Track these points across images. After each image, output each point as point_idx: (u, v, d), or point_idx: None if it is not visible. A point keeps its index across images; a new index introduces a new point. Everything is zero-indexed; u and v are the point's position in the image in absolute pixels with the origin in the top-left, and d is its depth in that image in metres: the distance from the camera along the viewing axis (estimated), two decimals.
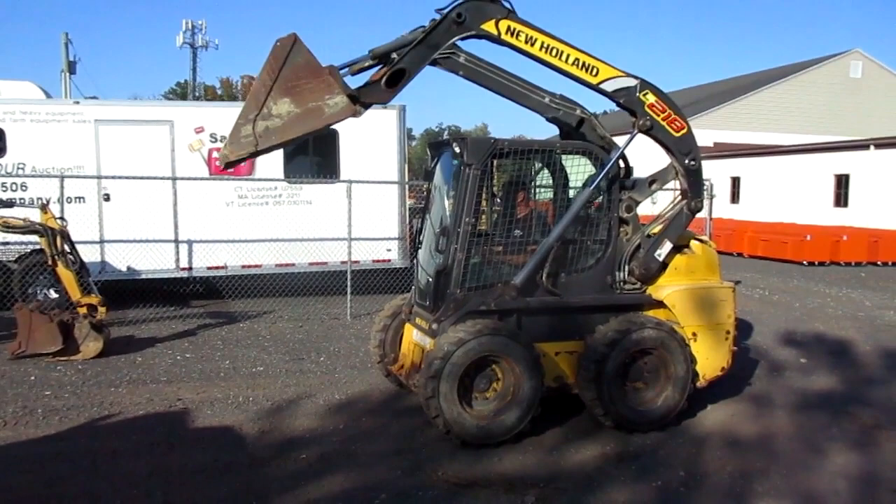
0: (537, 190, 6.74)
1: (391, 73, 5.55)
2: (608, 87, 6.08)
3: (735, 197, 32.95)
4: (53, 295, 10.61)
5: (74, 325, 8.45)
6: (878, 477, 5.39)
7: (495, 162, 6.49)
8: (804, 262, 20.13)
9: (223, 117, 12.07)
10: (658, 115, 6.26)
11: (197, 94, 53.35)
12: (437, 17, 5.67)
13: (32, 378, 7.65)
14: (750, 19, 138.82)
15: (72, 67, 27.95)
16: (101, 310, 8.55)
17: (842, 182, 27.99)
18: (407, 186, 13.47)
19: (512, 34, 5.76)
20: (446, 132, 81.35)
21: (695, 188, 6.52)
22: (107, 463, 5.38)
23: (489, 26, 5.71)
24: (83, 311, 8.49)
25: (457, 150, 6.14)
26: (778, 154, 31.29)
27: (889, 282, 16.98)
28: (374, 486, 5.02)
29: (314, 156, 12.70)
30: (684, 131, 6.39)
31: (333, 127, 12.90)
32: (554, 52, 5.87)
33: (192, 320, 10.90)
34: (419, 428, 6.10)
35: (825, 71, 38.24)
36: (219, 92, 62.58)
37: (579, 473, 5.35)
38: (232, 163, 5.29)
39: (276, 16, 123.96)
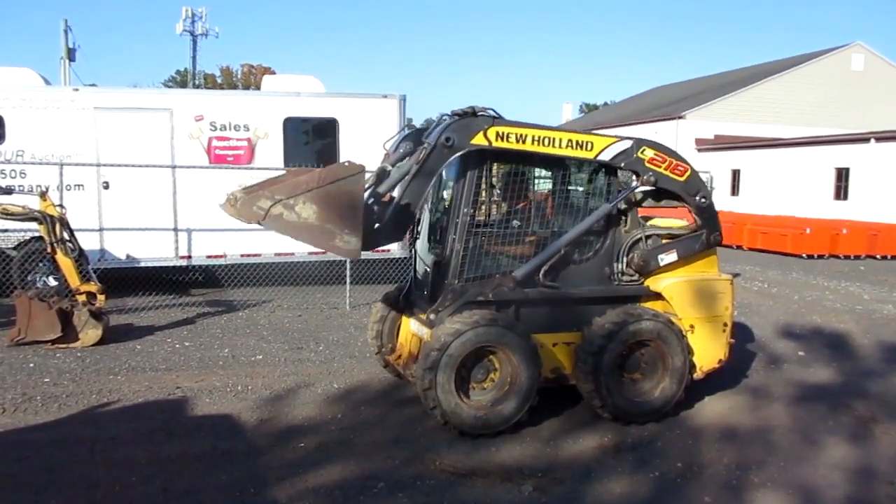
0: (536, 180, 6.73)
1: (398, 212, 5.72)
2: (605, 156, 6.17)
3: (735, 189, 32.92)
4: (53, 282, 10.60)
5: (73, 312, 8.45)
6: (875, 469, 5.41)
7: None
8: (803, 255, 20.13)
9: (223, 105, 12.05)
10: (660, 167, 6.34)
11: (197, 82, 53.15)
12: (427, 145, 5.76)
13: (31, 365, 7.67)
14: (752, 11, 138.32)
15: (71, 55, 27.86)
16: (101, 297, 8.55)
17: (842, 175, 27.96)
18: None
19: (502, 138, 5.85)
20: None
21: (710, 223, 6.61)
22: (105, 450, 5.40)
23: (479, 139, 5.79)
24: (82, 298, 8.50)
25: None
26: (778, 147, 31.24)
27: (888, 275, 16.99)
28: (371, 476, 5.04)
29: (314, 145, 12.68)
30: (688, 173, 6.48)
31: (333, 116, 12.98)
32: (546, 141, 5.97)
33: (191, 309, 10.91)
34: (417, 418, 6.12)
35: (826, 64, 38.08)
36: (219, 80, 62.37)
37: (577, 464, 5.37)
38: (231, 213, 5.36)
39: (276, 4, 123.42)
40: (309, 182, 5.13)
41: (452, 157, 5.79)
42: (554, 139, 5.98)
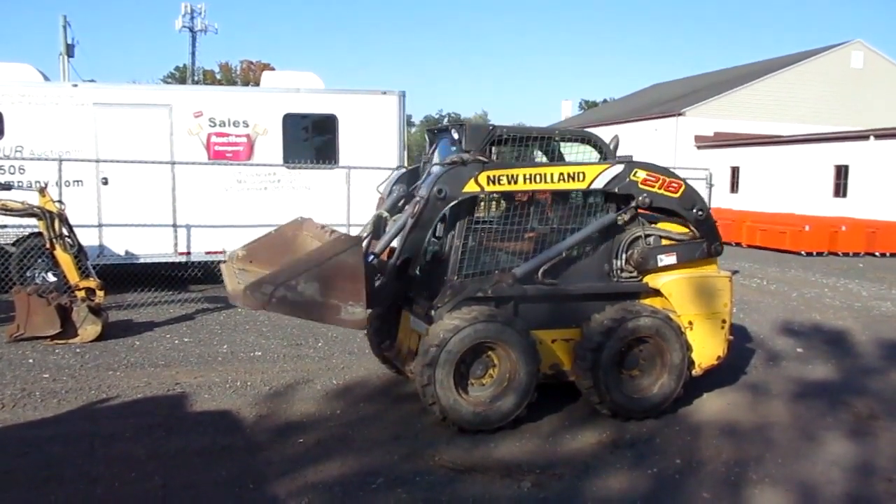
0: None
1: (399, 267, 5.81)
2: (598, 183, 6.15)
3: (734, 187, 32.91)
4: (52, 278, 10.61)
5: (72, 308, 8.45)
6: (873, 466, 5.42)
7: (494, 148, 6.48)
8: (802, 253, 20.14)
9: (222, 102, 12.05)
10: (654, 187, 6.33)
11: (196, 78, 53.05)
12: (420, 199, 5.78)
13: (31, 361, 7.67)
14: (751, 8, 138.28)
15: (70, 51, 27.76)
16: (100, 293, 8.56)
17: (841, 172, 27.96)
18: None
19: (494, 182, 5.84)
20: (446, 119, 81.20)
21: (710, 235, 6.60)
22: (105, 446, 5.41)
23: (471, 187, 5.78)
24: (81, 294, 8.50)
25: (455, 136, 6.15)
26: (778, 144, 31.23)
27: (886, 273, 17.01)
28: (371, 472, 5.04)
29: (313, 141, 12.68)
30: (682, 189, 6.47)
31: (333, 112, 12.98)
32: (538, 178, 5.99)
33: (190, 305, 10.91)
34: (416, 414, 6.13)
35: (826, 61, 38.03)
36: (218, 76, 62.32)
37: (576, 460, 5.38)
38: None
39: (275, 0, 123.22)
40: (308, 260, 5.22)
41: (447, 206, 5.81)
42: (545, 175, 6.00)
